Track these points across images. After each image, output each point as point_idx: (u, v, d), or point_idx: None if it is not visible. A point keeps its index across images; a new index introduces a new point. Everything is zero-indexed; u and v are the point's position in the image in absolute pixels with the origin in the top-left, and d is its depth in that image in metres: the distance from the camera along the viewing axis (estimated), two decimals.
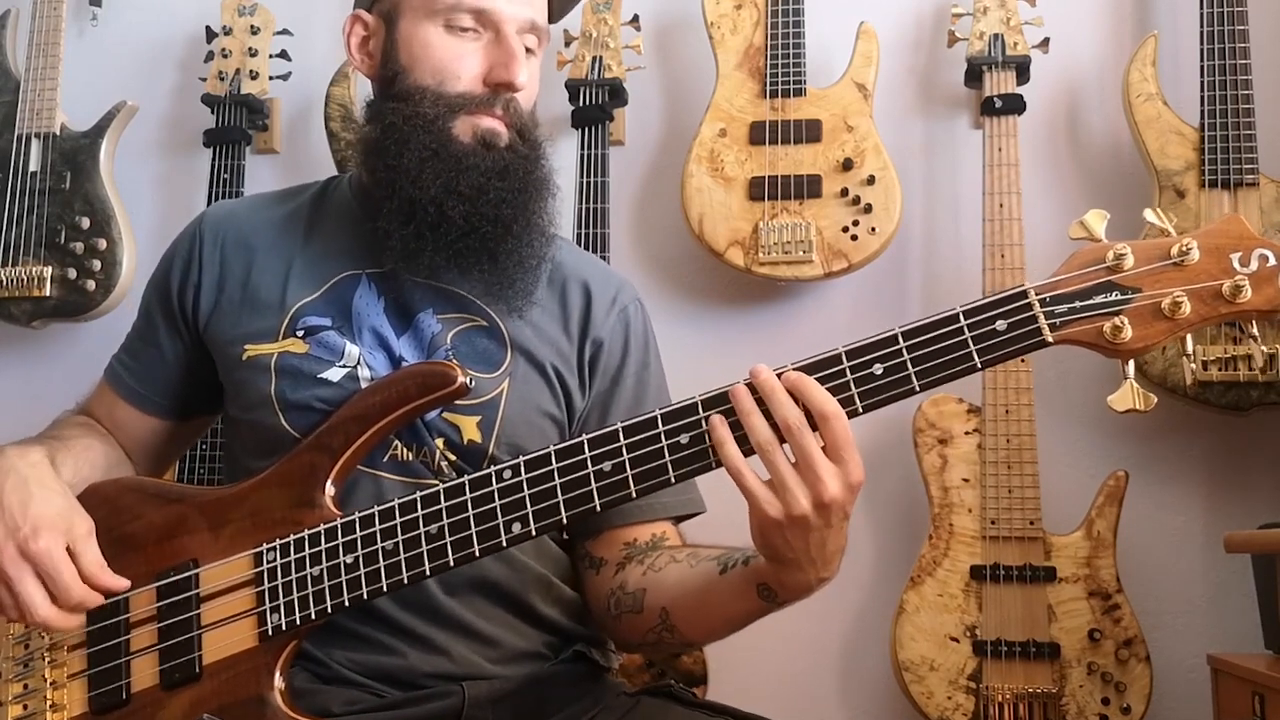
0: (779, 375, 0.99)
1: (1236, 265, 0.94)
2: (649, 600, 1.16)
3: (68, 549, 1.09)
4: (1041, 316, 0.96)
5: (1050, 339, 0.96)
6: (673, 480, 1.02)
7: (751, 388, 0.99)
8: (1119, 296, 0.96)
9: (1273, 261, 0.94)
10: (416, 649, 1.16)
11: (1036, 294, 0.97)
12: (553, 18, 1.29)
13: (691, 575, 1.14)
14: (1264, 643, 1.72)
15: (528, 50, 1.22)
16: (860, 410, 0.99)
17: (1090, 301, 0.96)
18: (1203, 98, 1.94)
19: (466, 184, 1.17)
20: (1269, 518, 1.80)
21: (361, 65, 1.28)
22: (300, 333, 1.21)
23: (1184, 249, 0.95)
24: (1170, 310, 0.94)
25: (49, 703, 1.12)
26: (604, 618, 1.23)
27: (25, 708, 1.13)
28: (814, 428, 0.97)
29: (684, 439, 1.01)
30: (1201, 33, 1.96)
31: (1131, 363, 0.97)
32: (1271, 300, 0.94)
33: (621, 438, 1.03)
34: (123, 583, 1.11)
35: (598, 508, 1.03)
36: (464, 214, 1.17)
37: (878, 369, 0.98)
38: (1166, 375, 1.88)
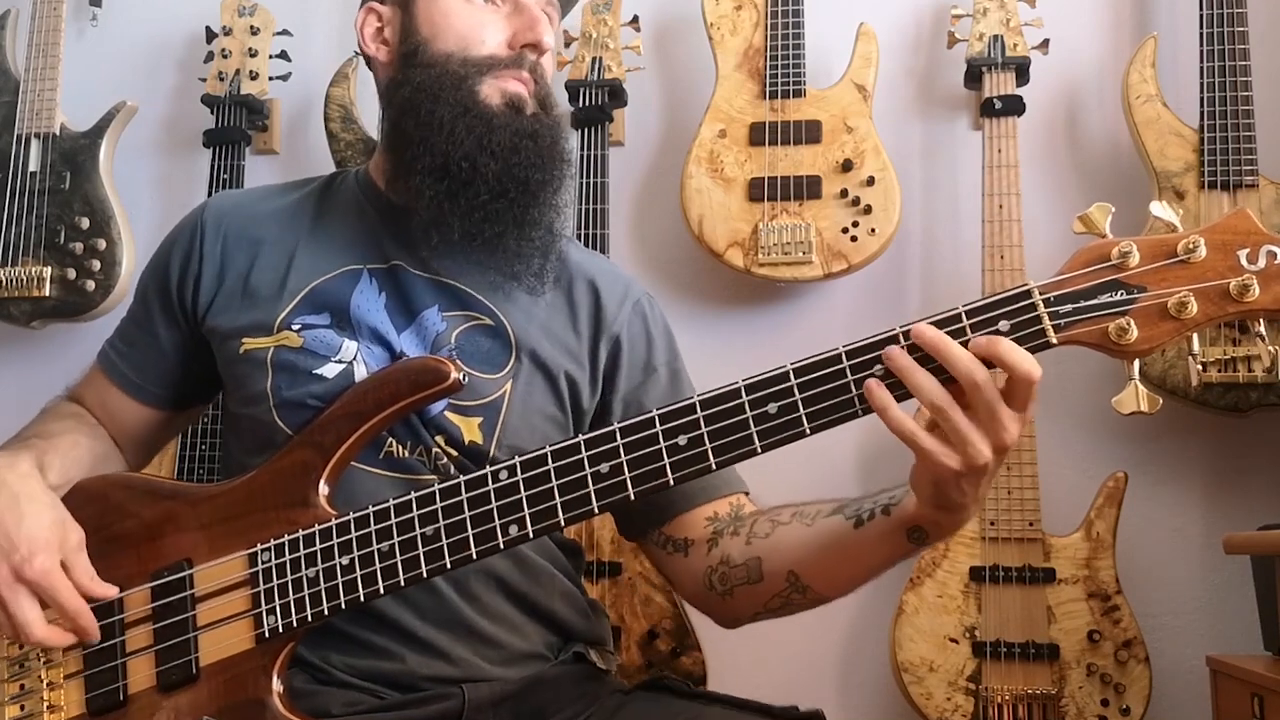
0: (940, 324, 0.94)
1: (1244, 262, 0.91)
2: (769, 567, 1.13)
3: (61, 563, 1.09)
4: (1046, 317, 0.93)
5: (1055, 340, 0.93)
6: (671, 482, 1.00)
7: (912, 347, 0.95)
8: (1124, 296, 0.93)
9: None
10: (415, 652, 1.15)
11: (1040, 293, 0.94)
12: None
13: (815, 535, 1.11)
14: (1263, 644, 1.71)
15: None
16: (860, 413, 0.97)
17: (1095, 301, 0.93)
18: (1202, 99, 1.94)
19: (498, 142, 1.17)
20: (1268, 519, 1.80)
21: (378, 53, 1.28)
22: (296, 327, 1.20)
23: (1190, 246, 0.92)
24: (1177, 310, 0.91)
25: (46, 704, 1.12)
26: (705, 597, 1.20)
27: (23, 708, 1.12)
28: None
29: (682, 440, 0.99)
30: (1201, 34, 1.95)
31: (1137, 363, 0.94)
32: None
33: (619, 438, 1.01)
34: (112, 591, 1.11)
35: (595, 510, 1.02)
36: (495, 173, 1.17)
37: (880, 369, 0.96)
38: (1166, 377, 1.87)
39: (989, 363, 0.92)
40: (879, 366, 0.96)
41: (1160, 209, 0.96)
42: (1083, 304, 0.94)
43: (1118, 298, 0.93)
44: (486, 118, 1.17)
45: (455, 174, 1.17)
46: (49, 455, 1.20)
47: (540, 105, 1.22)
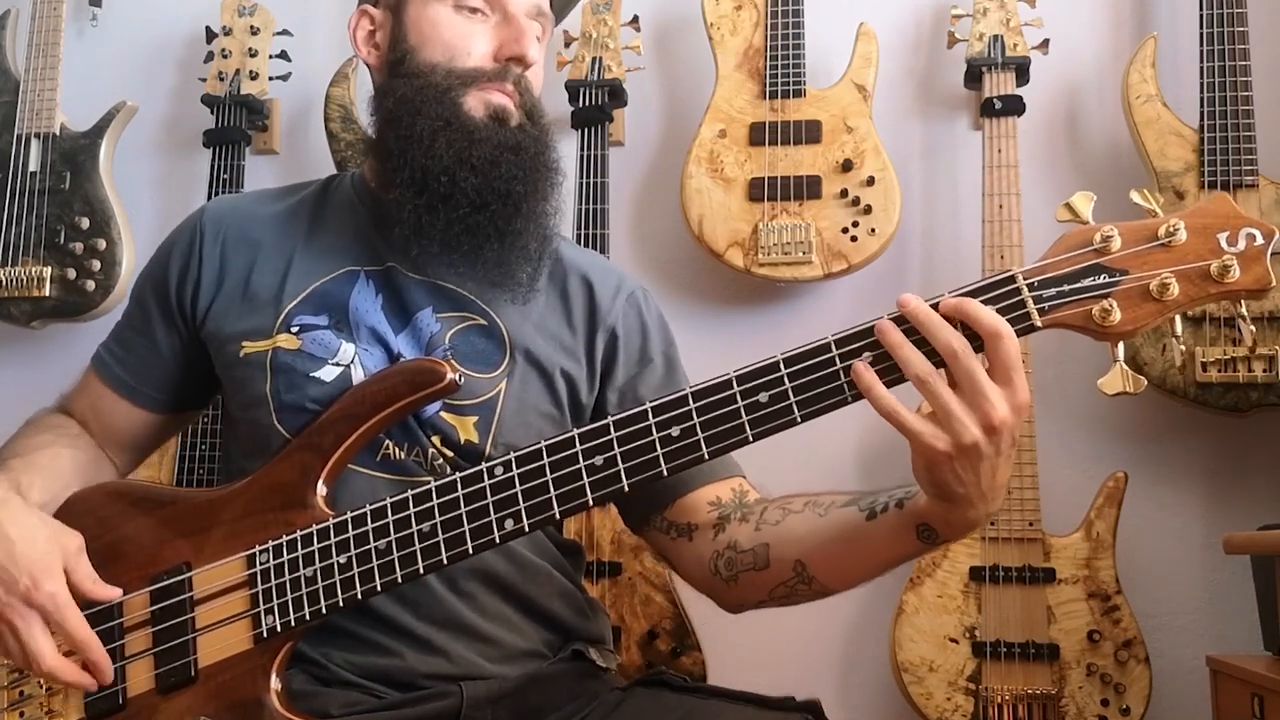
0: (933, 305, 0.96)
1: (1224, 245, 0.93)
2: (776, 555, 1.12)
3: (64, 568, 1.08)
4: (1030, 301, 0.95)
5: (1039, 323, 0.95)
6: (665, 472, 1.01)
7: (898, 320, 0.96)
8: (1107, 279, 0.95)
9: (1260, 240, 0.93)
10: (414, 649, 1.15)
11: (1024, 278, 0.96)
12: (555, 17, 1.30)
13: (827, 525, 1.10)
14: (1263, 644, 1.71)
15: (535, 37, 1.24)
16: (850, 399, 0.98)
17: (1078, 285, 0.95)
18: (1202, 99, 1.94)
19: (479, 156, 1.17)
20: (1268, 519, 1.80)
21: (368, 57, 1.28)
22: (294, 329, 1.21)
23: (1171, 229, 0.94)
24: (1158, 292, 0.94)
25: (45, 709, 1.12)
26: (710, 582, 1.19)
27: (22, 715, 1.13)
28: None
29: (675, 431, 1.00)
30: (1201, 34, 1.95)
31: (1121, 345, 0.96)
32: (1259, 279, 0.93)
33: (612, 430, 1.02)
34: (115, 593, 1.11)
35: (590, 502, 1.02)
36: (475, 186, 1.17)
37: (868, 356, 0.97)
38: (1166, 377, 1.88)
39: (966, 329, 0.94)
40: (867, 354, 0.97)
41: (1139, 197, 0.98)
42: (1066, 287, 0.96)
43: (1100, 281, 0.95)
44: (468, 130, 1.17)
45: (434, 188, 1.17)
46: (26, 475, 1.18)
47: (527, 116, 1.22)
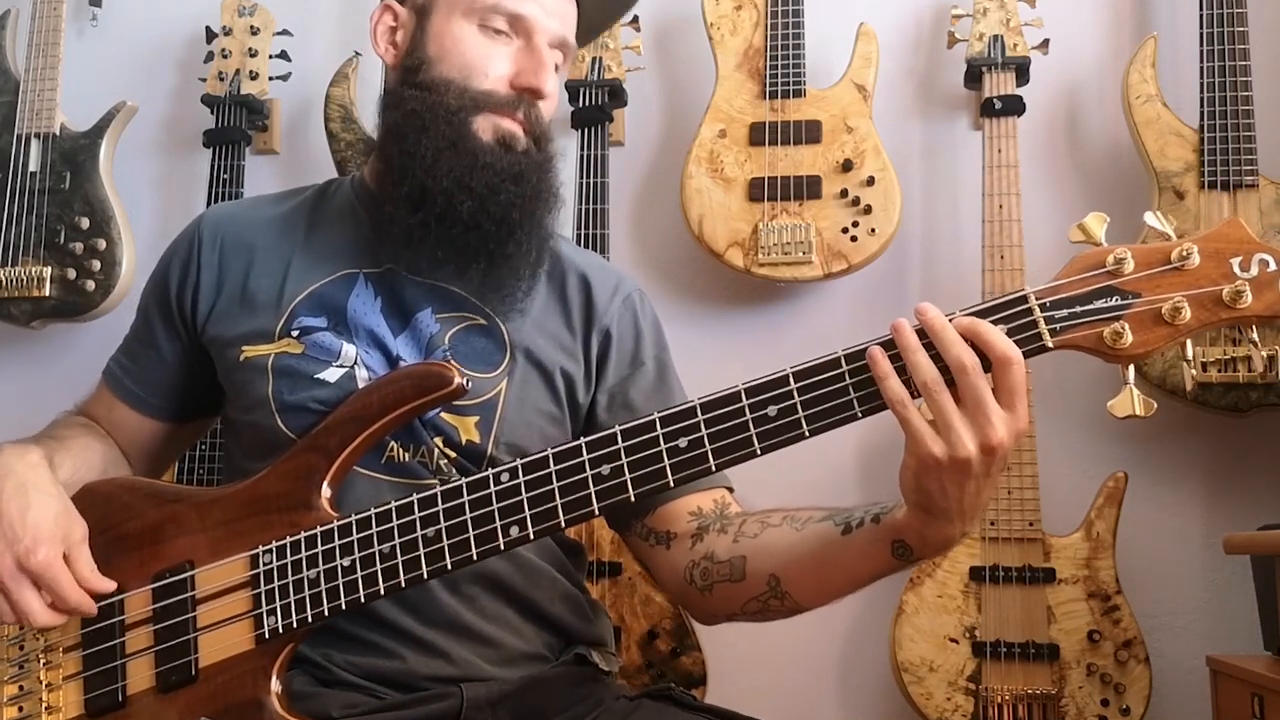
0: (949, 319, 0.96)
1: (1237, 270, 0.93)
2: (752, 567, 1.13)
3: (63, 554, 1.09)
4: (1041, 321, 0.95)
5: (1050, 344, 0.95)
6: (672, 484, 1.01)
7: (919, 331, 0.96)
8: (1119, 301, 0.95)
9: (1273, 266, 0.93)
10: (415, 651, 1.16)
11: (1037, 298, 0.96)
12: (579, 43, 1.31)
13: (803, 540, 1.10)
14: (1263, 644, 1.71)
15: (555, 66, 1.24)
16: (860, 415, 0.98)
17: (1090, 306, 0.95)
18: (1202, 99, 1.94)
19: (480, 182, 1.17)
20: (1268, 519, 1.80)
21: (385, 54, 1.28)
22: (295, 333, 1.21)
23: (1184, 254, 0.94)
24: (1170, 315, 0.94)
25: (44, 704, 1.12)
26: (684, 591, 1.19)
27: (21, 709, 1.13)
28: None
29: (683, 442, 1.01)
30: (1201, 34, 1.95)
31: (1131, 368, 0.96)
32: (1272, 306, 0.93)
33: (620, 440, 1.02)
34: (110, 585, 1.12)
35: (596, 511, 1.02)
36: (471, 210, 1.17)
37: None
38: (1166, 377, 1.87)
39: (977, 349, 0.94)
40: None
41: (1154, 219, 0.98)
42: (1078, 309, 0.96)
43: (1113, 303, 0.95)
44: (473, 154, 1.18)
45: (430, 208, 1.18)
46: (59, 454, 1.20)
47: (534, 141, 1.22)
